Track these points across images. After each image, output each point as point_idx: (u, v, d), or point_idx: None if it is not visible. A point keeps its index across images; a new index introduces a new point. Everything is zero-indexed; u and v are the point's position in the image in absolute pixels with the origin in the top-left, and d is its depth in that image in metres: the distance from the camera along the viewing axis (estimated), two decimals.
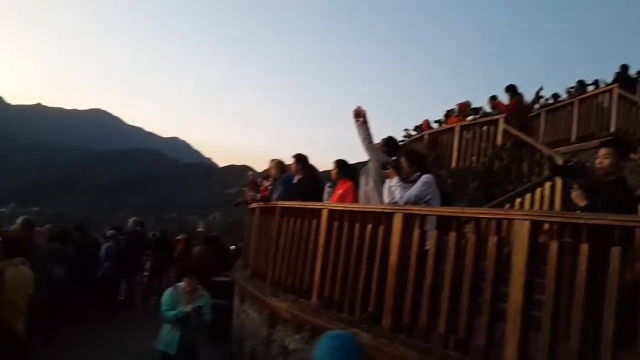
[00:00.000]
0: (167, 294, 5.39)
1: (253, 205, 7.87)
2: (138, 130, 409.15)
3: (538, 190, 6.68)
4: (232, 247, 12.04)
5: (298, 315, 5.13)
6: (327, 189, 6.00)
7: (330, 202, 5.67)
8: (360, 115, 5.23)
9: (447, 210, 4.13)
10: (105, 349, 7.79)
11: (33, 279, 4.73)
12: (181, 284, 5.48)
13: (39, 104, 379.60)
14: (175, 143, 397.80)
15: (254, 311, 6.51)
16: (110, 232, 10.66)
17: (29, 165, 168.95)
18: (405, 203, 4.40)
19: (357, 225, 4.69)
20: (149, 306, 11.70)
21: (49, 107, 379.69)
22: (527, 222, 3.14)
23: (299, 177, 6.35)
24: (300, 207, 5.73)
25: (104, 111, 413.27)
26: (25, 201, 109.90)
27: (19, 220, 6.12)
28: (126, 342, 8.45)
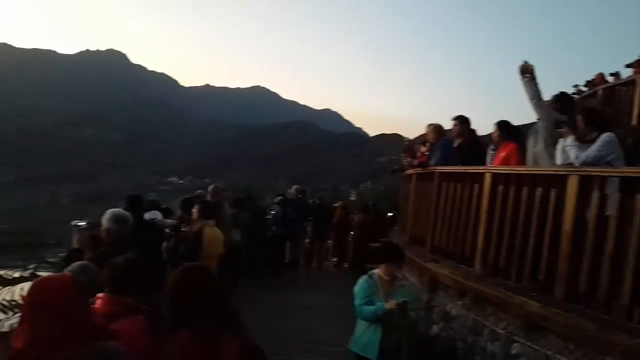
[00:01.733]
0: (361, 284, 4.34)
1: (410, 171, 7.84)
2: (293, 104, 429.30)
3: None
4: (390, 214, 12.17)
5: (460, 282, 5.06)
6: (490, 152, 5.74)
7: (493, 165, 5.42)
8: (527, 72, 4.87)
9: (632, 171, 3.68)
10: (276, 303, 8.52)
11: (223, 239, 5.38)
12: (376, 270, 4.40)
13: (207, 85, 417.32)
14: (328, 114, 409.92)
15: (412, 276, 6.57)
16: (277, 198, 11.48)
17: (201, 141, 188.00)
18: (582, 164, 4.04)
19: (524, 189, 4.43)
20: (311, 268, 12.52)
21: (217, 87, 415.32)
22: None
23: (460, 141, 6.15)
24: (460, 172, 5.58)
25: (263, 88, 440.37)
26: (200, 173, 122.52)
27: (210, 187, 6.93)
28: (292, 298, 9.17)
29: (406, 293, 4.30)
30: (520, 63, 4.95)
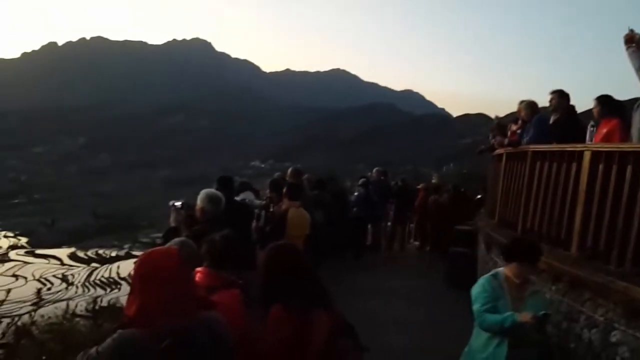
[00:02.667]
0: (482, 285, 3.54)
1: (499, 151, 7.53)
2: (374, 86, 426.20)
3: None
4: (479, 196, 11.82)
5: (555, 266, 4.82)
6: (589, 129, 5.38)
7: (593, 143, 5.08)
8: (633, 41, 4.49)
9: None
10: (357, 285, 8.60)
11: (309, 220, 5.51)
12: (501, 269, 3.67)
13: (287, 70, 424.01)
14: (409, 95, 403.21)
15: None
16: (361, 180, 11.49)
17: (282, 126, 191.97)
18: None
19: (628, 168, 4.11)
20: (392, 251, 12.47)
21: (296, 71, 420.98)
22: None
23: (556, 117, 5.80)
24: (556, 150, 5.27)
25: (343, 70, 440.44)
26: (281, 157, 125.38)
27: (290, 170, 7.09)
28: (374, 280, 9.21)
29: (541, 301, 3.51)
30: (626, 32, 4.58)
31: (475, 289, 3.55)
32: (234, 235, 2.87)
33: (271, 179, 7.49)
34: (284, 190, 5.95)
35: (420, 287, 8.93)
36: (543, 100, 6.43)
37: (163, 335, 1.81)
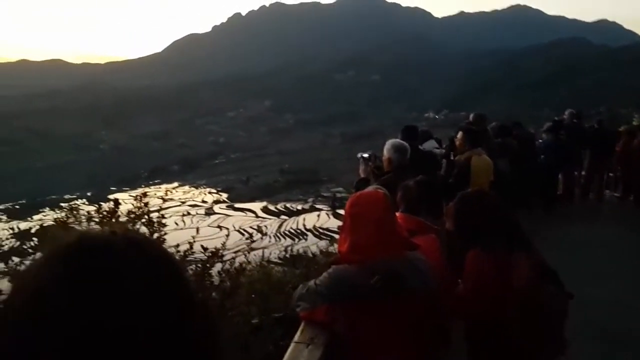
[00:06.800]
0: None
1: None
2: (560, 20, 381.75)
3: None
4: None
5: None
6: None
7: None
8: None
9: None
10: (549, 236, 8.05)
11: (492, 166, 5.31)
12: None
13: (461, 12, 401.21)
14: (603, 26, 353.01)
15: None
16: (547, 124, 10.60)
17: (456, 73, 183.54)
18: None
19: None
20: (587, 202, 11.36)
21: (471, 13, 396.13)
22: None
23: None
24: None
25: (524, 6, 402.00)
26: (456, 107, 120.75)
27: (472, 116, 6.85)
28: (566, 232, 8.54)
29: None
30: None
31: None
32: (428, 181, 2.94)
33: (459, 126, 7.35)
34: (462, 136, 5.76)
35: (621, 240, 8.09)
36: None
37: (373, 271, 1.99)
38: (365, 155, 4.67)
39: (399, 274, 2.02)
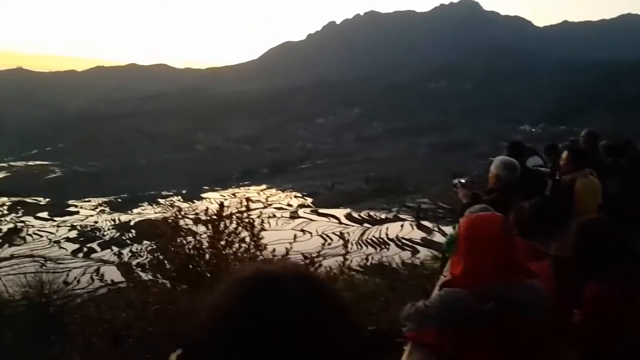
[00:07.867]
0: None
1: None
2: None
3: None
4: None
5: None
6: None
7: None
8: None
9: None
10: None
11: (601, 188, 4.93)
12: None
13: (564, 22, 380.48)
14: None
15: None
16: None
17: (556, 85, 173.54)
18: None
19: None
20: None
21: (575, 23, 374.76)
22: None
23: None
24: None
25: (634, 15, 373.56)
26: (554, 120, 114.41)
27: (583, 133, 6.44)
28: None
29: None
30: None
31: None
32: (543, 204, 2.79)
33: (550, 144, 6.92)
34: (567, 157, 5.39)
35: None
36: None
37: (488, 297, 1.91)
38: (463, 180, 4.52)
39: (518, 301, 1.92)
